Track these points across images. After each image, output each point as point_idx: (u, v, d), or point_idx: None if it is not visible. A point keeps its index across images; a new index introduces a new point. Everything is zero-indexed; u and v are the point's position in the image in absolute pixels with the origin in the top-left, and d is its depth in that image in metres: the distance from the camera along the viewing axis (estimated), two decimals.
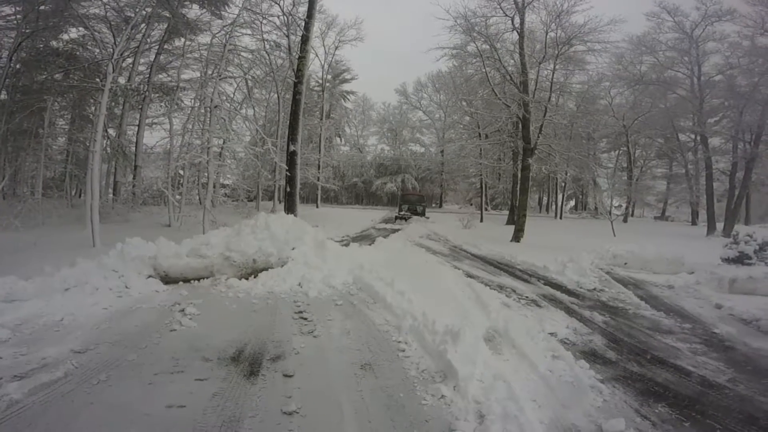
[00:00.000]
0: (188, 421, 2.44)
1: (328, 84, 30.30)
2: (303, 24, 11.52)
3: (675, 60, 18.36)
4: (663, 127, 21.57)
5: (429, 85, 29.15)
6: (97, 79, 10.03)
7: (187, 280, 6.47)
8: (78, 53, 11.81)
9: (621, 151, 28.43)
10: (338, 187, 30.88)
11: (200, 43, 12.99)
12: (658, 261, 9.29)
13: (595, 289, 6.96)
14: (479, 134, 21.09)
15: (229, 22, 10.99)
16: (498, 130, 18.81)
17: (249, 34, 12.85)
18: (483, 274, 7.81)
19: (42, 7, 10.26)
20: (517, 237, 14.12)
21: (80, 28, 11.67)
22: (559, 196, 29.69)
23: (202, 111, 11.15)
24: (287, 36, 13.19)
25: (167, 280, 6.34)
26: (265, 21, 12.51)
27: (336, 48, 23.91)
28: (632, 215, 30.40)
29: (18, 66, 11.33)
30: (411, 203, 22.88)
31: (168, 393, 2.78)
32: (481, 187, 24.15)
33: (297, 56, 11.43)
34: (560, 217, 25.79)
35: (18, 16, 11.17)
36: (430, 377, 3.09)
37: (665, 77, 18.87)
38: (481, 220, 22.20)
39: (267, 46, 13.32)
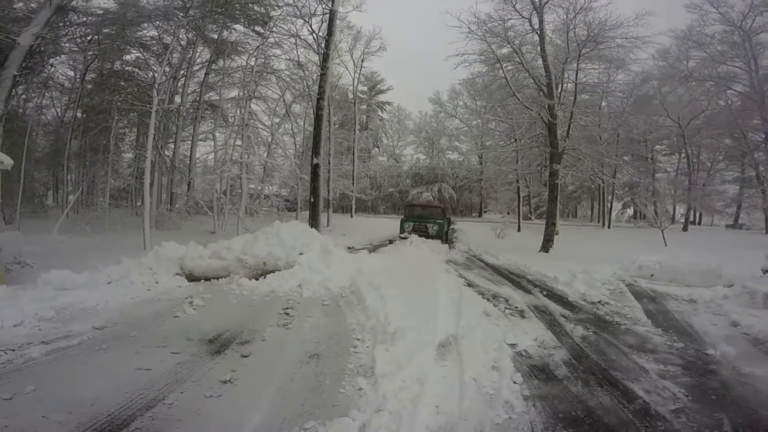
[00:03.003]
0: (145, 379, 3.11)
1: (364, 96, 31.24)
2: (324, 42, 12.32)
3: (727, 54, 16.65)
4: (727, 125, 19.57)
5: (464, 92, 29.00)
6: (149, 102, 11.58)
7: (207, 279, 7.32)
8: (135, 75, 13.68)
9: (684, 154, 26.11)
10: (374, 197, 31.57)
11: (238, 66, 14.40)
12: (691, 273, 8.61)
13: (599, 301, 6.68)
14: (515, 140, 20.66)
15: (260, 44, 12.11)
16: (536, 135, 18.27)
17: (280, 56, 14.01)
18: (485, 284, 7.82)
19: (105, 30, 12.04)
20: (545, 247, 13.71)
21: (133, 52, 13.56)
22: (612, 204, 27.88)
23: (238, 129, 12.38)
24: (318, 53, 14.14)
25: (191, 278, 7.24)
26: (295, 40, 13.54)
27: (363, 60, 24.59)
28: (698, 224, 27.65)
29: (89, 87, 13.45)
30: (420, 219, 14.44)
31: (144, 360, 3.48)
32: (518, 195, 23.49)
33: (319, 73, 12.26)
34: (608, 226, 24.20)
35: (86, 39, 13.17)
36: (362, 371, 3.41)
37: (719, 73, 17.17)
38: (518, 230, 21.58)
39: (291, 65, 14.41)
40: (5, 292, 5.18)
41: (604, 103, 19.83)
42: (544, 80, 12.34)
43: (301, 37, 13.67)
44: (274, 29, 12.56)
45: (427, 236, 13.42)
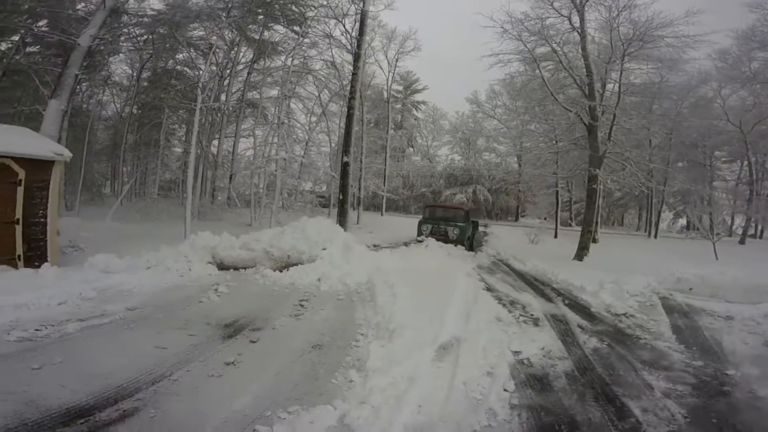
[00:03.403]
0: (158, 357, 3.44)
1: (399, 95, 31.13)
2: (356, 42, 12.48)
3: None
4: None
5: (503, 92, 28.12)
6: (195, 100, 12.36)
7: (236, 268, 7.75)
8: (184, 74, 14.53)
9: (746, 162, 23.90)
10: (406, 196, 31.56)
11: (278, 65, 14.99)
12: (735, 288, 8.00)
13: (624, 314, 6.38)
14: (555, 141, 19.86)
15: (296, 44, 12.56)
16: (576, 138, 17.48)
17: (315, 56, 14.39)
18: (506, 289, 7.68)
19: (159, 30, 12.95)
20: (579, 255, 13.14)
21: (184, 52, 14.45)
22: (661, 214, 26.11)
23: (275, 127, 12.93)
24: (351, 53, 14.40)
25: (222, 266, 7.70)
26: (329, 41, 13.86)
27: (397, 60, 24.45)
28: (759, 237, 25.26)
29: (145, 84, 14.56)
30: (440, 221, 12.92)
31: (163, 340, 3.82)
32: (557, 199, 22.59)
33: (351, 73, 12.48)
34: (655, 236, 22.66)
35: (141, 39, 14.22)
36: (357, 365, 3.54)
37: None
38: (555, 236, 20.83)
39: (327, 65, 14.77)
40: (57, 273, 5.81)
41: (655, 106, 18.57)
42: (585, 80, 11.82)
43: (335, 37, 14.00)
44: (309, 30, 12.95)
45: (447, 240, 12.18)
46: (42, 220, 6.38)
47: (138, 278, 6.23)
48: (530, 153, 23.16)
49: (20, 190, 6.18)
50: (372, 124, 26.02)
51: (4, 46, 13.13)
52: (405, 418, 2.67)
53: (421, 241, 12.08)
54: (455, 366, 3.62)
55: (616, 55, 11.32)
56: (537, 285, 8.38)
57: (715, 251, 14.68)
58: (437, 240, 11.99)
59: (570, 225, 28.97)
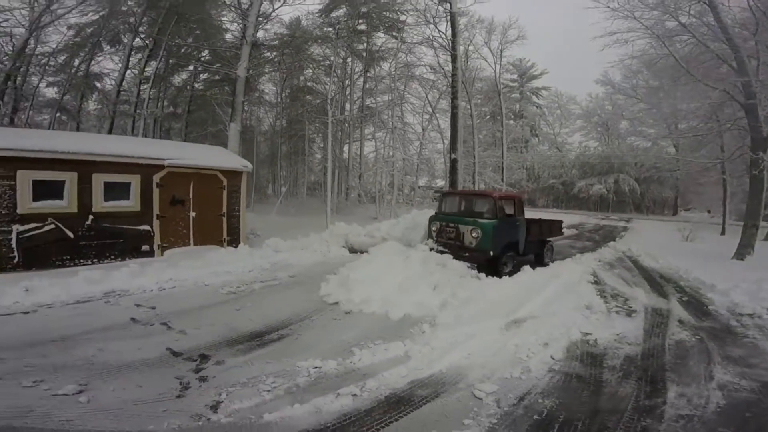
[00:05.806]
0: (306, 306, 5.20)
1: (514, 84, 29.55)
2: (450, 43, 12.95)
3: None
4: None
5: (643, 70, 23.78)
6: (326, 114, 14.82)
7: (362, 251, 9.54)
8: (314, 89, 17.51)
9: None
10: (531, 189, 29.95)
11: (386, 73, 16.71)
12: None
13: (750, 314, 5.69)
14: (718, 121, 16.44)
15: (397, 49, 13.85)
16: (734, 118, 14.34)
17: (415, 62, 15.45)
18: (615, 283, 7.44)
19: (286, 51, 15.75)
20: (740, 254, 11.17)
21: (310, 69, 17.35)
22: None
23: (390, 130, 14.65)
24: (449, 53, 14.87)
25: (352, 250, 9.66)
26: (432, 42, 14.72)
27: (501, 51, 22.92)
28: None
29: (288, 101, 18.12)
30: (455, 216, 8.17)
31: (309, 296, 5.61)
32: (724, 189, 18.67)
33: (450, 74, 13.06)
34: None
35: (277, 62, 17.51)
36: (433, 321, 4.60)
37: None
38: (723, 233, 17.46)
39: (429, 69, 15.66)
40: (247, 251, 8.42)
41: None
42: (730, 55, 10.06)
43: (431, 40, 14.68)
44: (406, 35, 14.03)
45: (460, 248, 7.62)
46: (237, 213, 9.24)
47: (296, 256, 8.49)
48: (684, 136, 19.56)
49: (224, 193, 9.08)
50: (488, 117, 25.67)
51: (184, 75, 17.99)
52: (452, 358, 3.62)
53: (432, 249, 7.67)
54: (517, 334, 4.30)
55: (763, 25, 9.24)
56: (658, 282, 7.88)
57: None
58: (444, 247, 7.72)
59: None
